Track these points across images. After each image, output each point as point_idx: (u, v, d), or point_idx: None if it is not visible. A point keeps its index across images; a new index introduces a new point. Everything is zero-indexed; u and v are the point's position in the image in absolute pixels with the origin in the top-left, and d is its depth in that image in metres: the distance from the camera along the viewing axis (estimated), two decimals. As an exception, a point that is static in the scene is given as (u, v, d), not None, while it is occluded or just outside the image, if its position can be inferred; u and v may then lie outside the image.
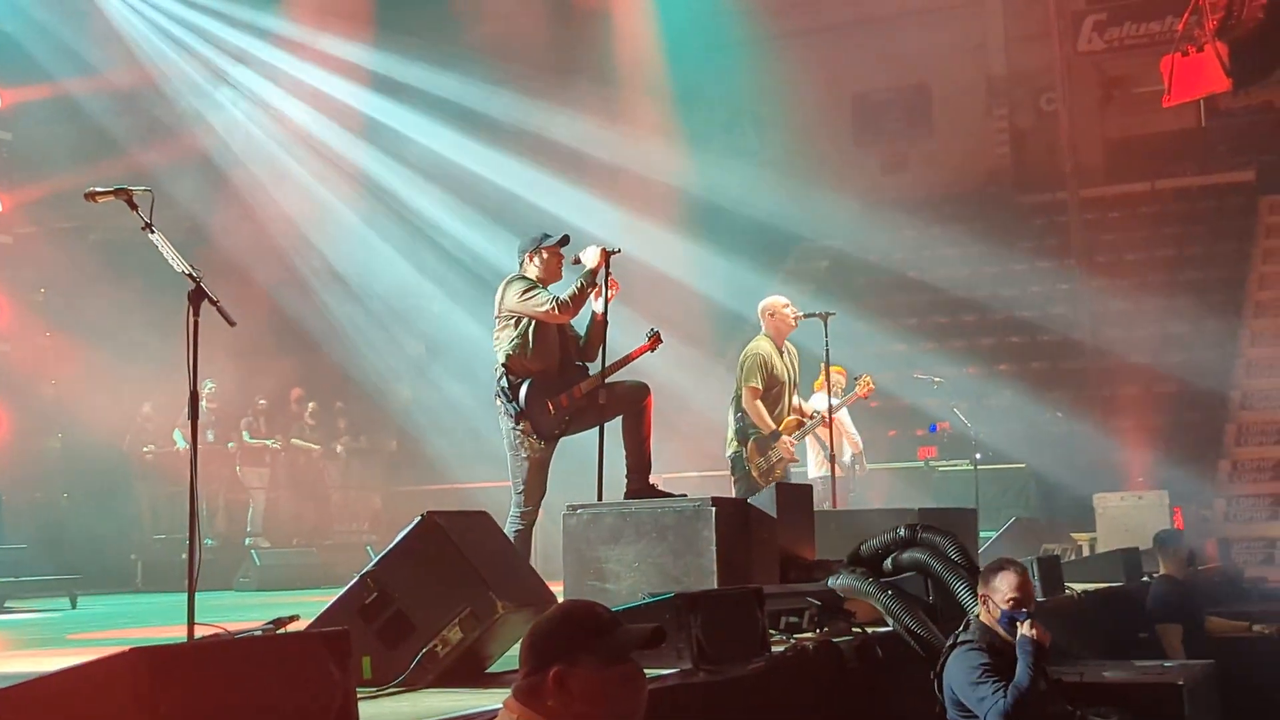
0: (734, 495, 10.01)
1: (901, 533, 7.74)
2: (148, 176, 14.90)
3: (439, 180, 18.93)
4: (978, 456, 15.50)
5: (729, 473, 11.02)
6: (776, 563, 7.57)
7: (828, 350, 11.04)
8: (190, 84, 18.50)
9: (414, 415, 19.00)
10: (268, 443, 17.34)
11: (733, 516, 7.12)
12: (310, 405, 18.22)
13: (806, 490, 8.89)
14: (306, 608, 6.50)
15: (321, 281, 18.70)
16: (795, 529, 8.02)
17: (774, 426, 10.63)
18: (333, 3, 18.04)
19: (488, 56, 18.24)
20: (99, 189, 6.43)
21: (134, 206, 6.35)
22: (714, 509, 6.92)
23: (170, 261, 6.24)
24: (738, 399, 10.76)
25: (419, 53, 18.29)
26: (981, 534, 10.77)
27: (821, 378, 12.07)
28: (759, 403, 10.62)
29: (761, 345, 10.79)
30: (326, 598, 5.64)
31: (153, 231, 6.30)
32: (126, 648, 3.31)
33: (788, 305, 10.95)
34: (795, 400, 11.01)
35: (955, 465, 16.46)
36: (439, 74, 18.19)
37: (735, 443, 10.78)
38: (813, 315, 10.96)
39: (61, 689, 3.37)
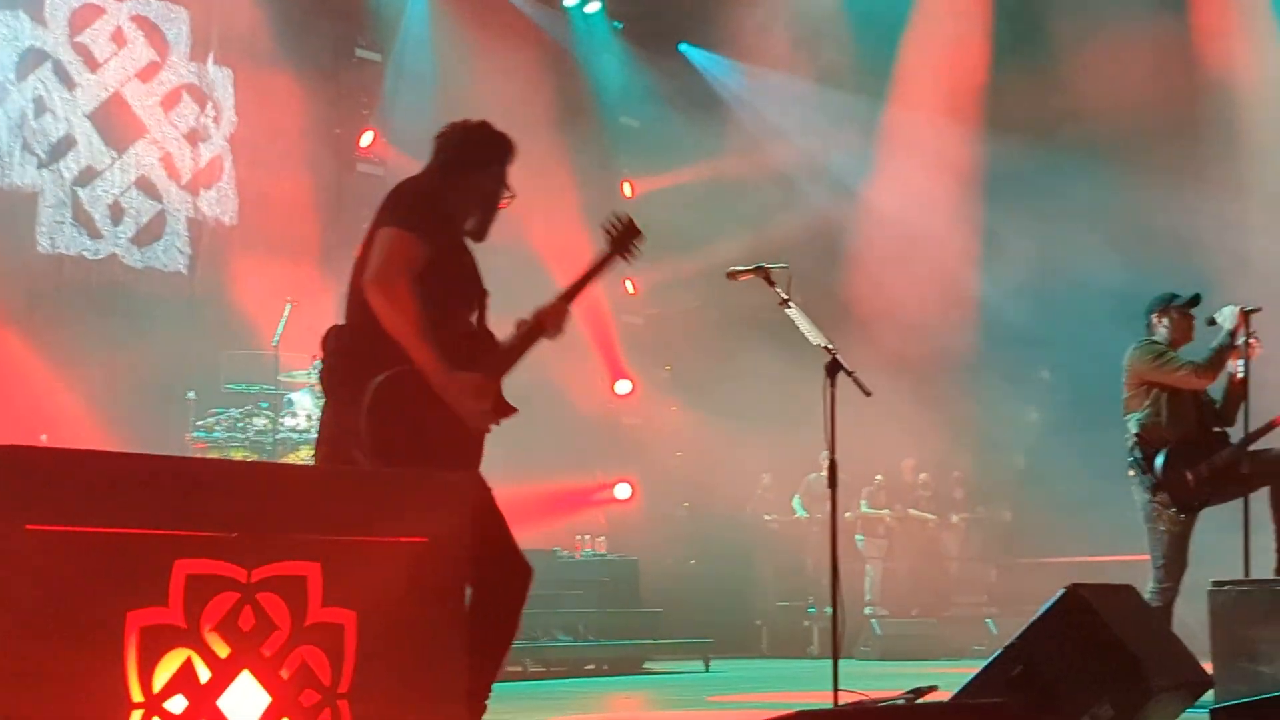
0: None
1: None
2: (764, 256, 15.29)
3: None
4: None
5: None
6: None
7: None
8: (806, 166, 19.03)
9: (1028, 484, 18.52)
10: (884, 513, 17.50)
11: None
12: (922, 476, 18.18)
13: None
14: (932, 679, 6.47)
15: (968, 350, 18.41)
16: None
17: None
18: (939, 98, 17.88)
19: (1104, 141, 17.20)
20: (739, 268, 6.77)
21: (771, 283, 6.65)
22: (1386, 588, 6.36)
23: (807, 335, 6.46)
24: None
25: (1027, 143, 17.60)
26: None
27: None
28: None
29: None
30: (950, 669, 5.59)
31: (790, 306, 6.55)
32: (790, 711, 3.41)
33: None
34: None
35: None
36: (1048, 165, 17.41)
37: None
38: None
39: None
